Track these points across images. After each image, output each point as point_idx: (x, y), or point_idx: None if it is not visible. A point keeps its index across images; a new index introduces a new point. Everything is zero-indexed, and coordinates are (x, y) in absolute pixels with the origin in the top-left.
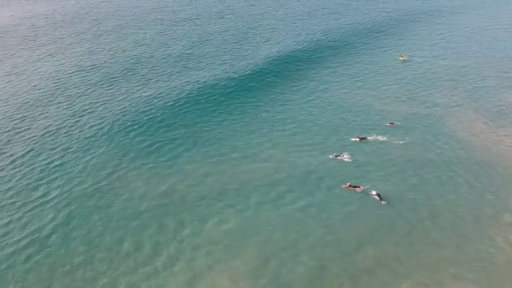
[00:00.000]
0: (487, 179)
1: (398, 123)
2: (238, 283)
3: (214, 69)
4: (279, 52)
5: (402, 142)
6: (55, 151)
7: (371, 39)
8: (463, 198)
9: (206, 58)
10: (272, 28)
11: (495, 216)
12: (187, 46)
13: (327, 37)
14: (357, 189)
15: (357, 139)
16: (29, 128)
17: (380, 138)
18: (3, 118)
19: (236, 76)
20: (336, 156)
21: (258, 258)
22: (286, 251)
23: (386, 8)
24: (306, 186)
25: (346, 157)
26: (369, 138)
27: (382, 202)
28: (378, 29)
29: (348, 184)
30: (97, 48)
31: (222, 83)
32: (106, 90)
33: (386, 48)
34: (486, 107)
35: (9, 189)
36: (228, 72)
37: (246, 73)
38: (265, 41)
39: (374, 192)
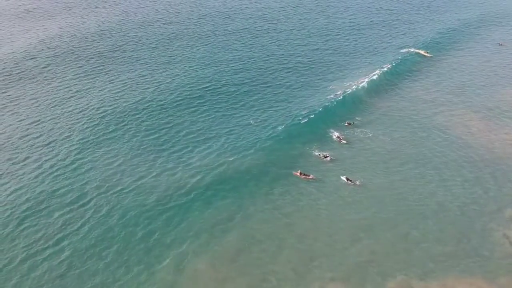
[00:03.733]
0: (488, 176)
1: (355, 121)
2: (217, 269)
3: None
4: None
5: (389, 139)
6: (72, 150)
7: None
8: (464, 194)
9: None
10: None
11: (496, 211)
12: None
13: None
14: (308, 177)
15: (340, 137)
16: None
17: (364, 134)
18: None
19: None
20: (325, 156)
21: (241, 246)
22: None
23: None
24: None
25: (328, 155)
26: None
27: (356, 183)
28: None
29: (299, 171)
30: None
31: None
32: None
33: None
34: (482, 105)
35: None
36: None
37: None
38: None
39: (343, 178)
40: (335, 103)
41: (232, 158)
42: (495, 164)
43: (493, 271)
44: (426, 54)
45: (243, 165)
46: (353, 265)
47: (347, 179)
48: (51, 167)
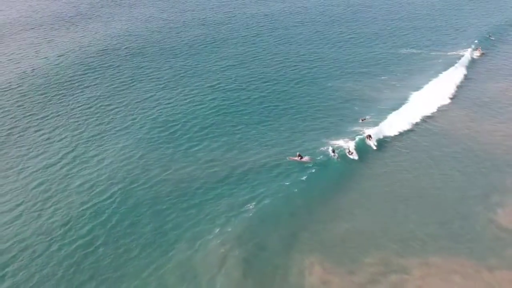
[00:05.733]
0: (473, 164)
1: (368, 117)
2: (226, 246)
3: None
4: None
5: None
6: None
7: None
8: (448, 181)
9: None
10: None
11: (481, 197)
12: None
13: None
14: (304, 159)
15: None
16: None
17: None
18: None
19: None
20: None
21: (244, 225)
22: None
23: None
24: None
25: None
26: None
27: (336, 156)
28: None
29: (298, 154)
30: None
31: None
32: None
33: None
34: (466, 98)
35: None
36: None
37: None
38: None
39: (330, 150)
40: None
41: (244, 153)
42: (479, 153)
43: (480, 252)
44: (478, 53)
45: (255, 156)
46: (332, 241)
47: (333, 151)
48: (72, 161)
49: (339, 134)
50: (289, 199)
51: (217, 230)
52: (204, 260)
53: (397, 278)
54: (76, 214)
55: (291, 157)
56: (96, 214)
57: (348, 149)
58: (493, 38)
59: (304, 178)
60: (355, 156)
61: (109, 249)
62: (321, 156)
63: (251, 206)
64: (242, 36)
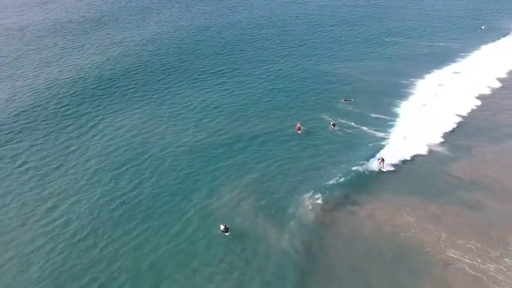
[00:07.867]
0: None
1: (352, 99)
2: (238, 193)
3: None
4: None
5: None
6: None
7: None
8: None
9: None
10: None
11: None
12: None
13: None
14: (300, 131)
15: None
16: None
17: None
18: None
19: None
20: (333, 126)
21: (256, 181)
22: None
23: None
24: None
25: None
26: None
27: (336, 129)
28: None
29: (299, 126)
30: None
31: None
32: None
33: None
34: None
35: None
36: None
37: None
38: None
39: (331, 124)
40: None
41: (252, 124)
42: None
43: (430, 193)
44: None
45: (261, 124)
46: (313, 185)
47: (333, 125)
48: (105, 135)
49: (339, 111)
50: (292, 157)
51: (232, 181)
52: (221, 202)
53: (351, 208)
54: (116, 175)
55: (299, 125)
56: (134, 173)
57: (381, 158)
58: (483, 28)
59: (304, 141)
60: (386, 168)
61: (150, 201)
62: (320, 129)
63: (259, 162)
64: (244, 30)
